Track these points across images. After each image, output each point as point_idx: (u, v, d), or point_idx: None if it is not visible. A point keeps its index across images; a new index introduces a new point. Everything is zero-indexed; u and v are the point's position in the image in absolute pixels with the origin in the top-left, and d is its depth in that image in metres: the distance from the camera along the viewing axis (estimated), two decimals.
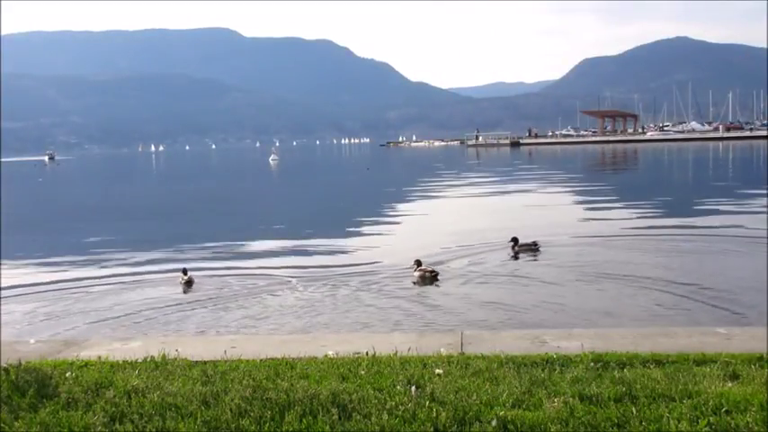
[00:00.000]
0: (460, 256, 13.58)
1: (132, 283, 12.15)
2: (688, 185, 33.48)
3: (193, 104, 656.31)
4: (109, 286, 12.01)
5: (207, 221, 23.87)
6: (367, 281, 11.49)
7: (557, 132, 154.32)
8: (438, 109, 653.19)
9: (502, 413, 3.94)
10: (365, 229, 19.63)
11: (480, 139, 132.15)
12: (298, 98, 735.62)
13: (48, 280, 12.67)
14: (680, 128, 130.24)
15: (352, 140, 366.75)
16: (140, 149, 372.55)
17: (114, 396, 4.41)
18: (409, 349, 5.65)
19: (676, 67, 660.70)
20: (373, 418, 3.92)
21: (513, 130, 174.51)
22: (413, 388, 4.42)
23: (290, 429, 3.86)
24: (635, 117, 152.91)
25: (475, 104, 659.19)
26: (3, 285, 12.02)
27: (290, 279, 11.90)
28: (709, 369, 4.82)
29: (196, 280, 11.77)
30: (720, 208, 20.69)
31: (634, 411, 3.95)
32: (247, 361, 5.41)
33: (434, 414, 3.93)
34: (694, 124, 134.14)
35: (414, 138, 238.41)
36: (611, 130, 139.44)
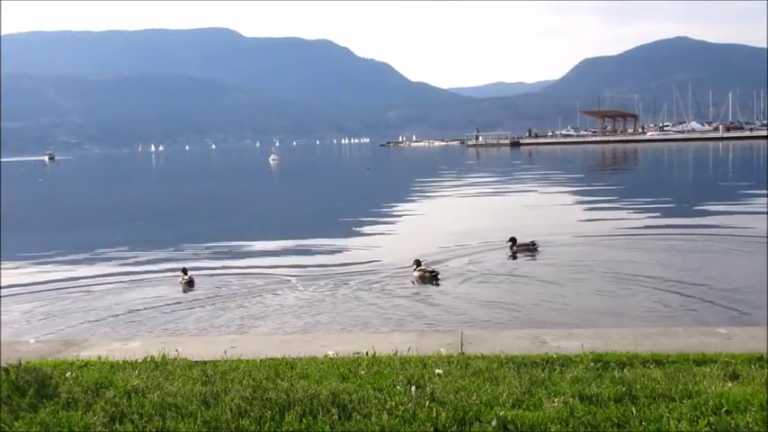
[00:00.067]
0: (459, 256, 13.59)
1: (132, 283, 12.15)
2: (688, 185, 33.48)
3: (193, 104, 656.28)
4: (109, 286, 12.01)
5: (207, 221, 23.87)
6: (367, 280, 11.49)
7: (557, 132, 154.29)
8: (438, 109, 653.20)
9: (502, 413, 3.94)
10: (365, 228, 19.63)
11: (480, 139, 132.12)
12: (298, 98, 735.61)
13: (47, 279, 12.67)
14: (680, 128, 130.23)
15: (352, 140, 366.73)
16: (140, 149, 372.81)
17: (114, 396, 4.41)
18: (409, 349, 5.65)
19: (676, 67, 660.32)
20: (373, 418, 3.92)
21: (513, 130, 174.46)
22: (413, 388, 4.42)
23: (290, 429, 3.86)
24: (635, 117, 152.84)
25: (475, 104, 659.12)
26: (2, 285, 12.02)
27: (289, 279, 11.91)
28: (709, 369, 4.82)
29: (196, 279, 11.78)
30: (721, 208, 20.69)
31: (634, 411, 3.95)
32: (247, 361, 5.41)
33: (434, 414, 3.93)
34: (694, 124, 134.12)
35: (414, 138, 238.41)
36: (611, 130, 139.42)
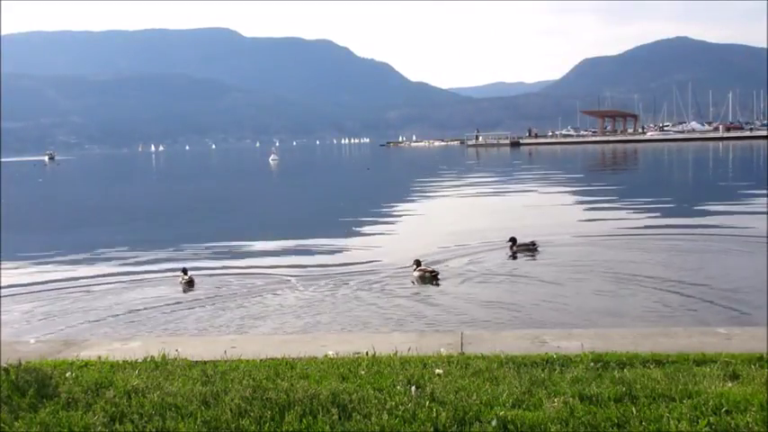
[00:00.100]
0: (459, 256, 13.59)
1: (132, 283, 12.15)
2: (688, 185, 33.48)
3: (193, 104, 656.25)
4: (109, 286, 12.01)
5: (207, 221, 23.87)
6: (367, 280, 11.50)
7: (557, 132, 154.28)
8: (438, 109, 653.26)
9: (502, 413, 3.94)
10: (365, 228, 19.63)
11: (480, 139, 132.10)
12: (298, 98, 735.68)
13: (47, 279, 12.67)
14: (680, 128, 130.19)
15: (352, 140, 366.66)
16: (140, 149, 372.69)
17: (114, 396, 4.41)
18: (409, 349, 5.65)
19: (676, 67, 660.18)
20: (373, 418, 3.92)
21: (513, 130, 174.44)
22: (413, 388, 4.42)
23: (290, 429, 3.86)
24: (635, 117, 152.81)
25: (475, 104, 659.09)
26: (2, 285, 12.02)
27: (289, 279, 11.91)
28: (709, 369, 4.82)
29: (196, 279, 11.78)
30: (721, 208, 20.69)
31: (634, 411, 3.95)
32: (247, 361, 5.41)
33: (434, 414, 3.93)
34: (694, 124, 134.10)
35: (414, 138, 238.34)
36: (611, 130, 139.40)
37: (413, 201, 28.36)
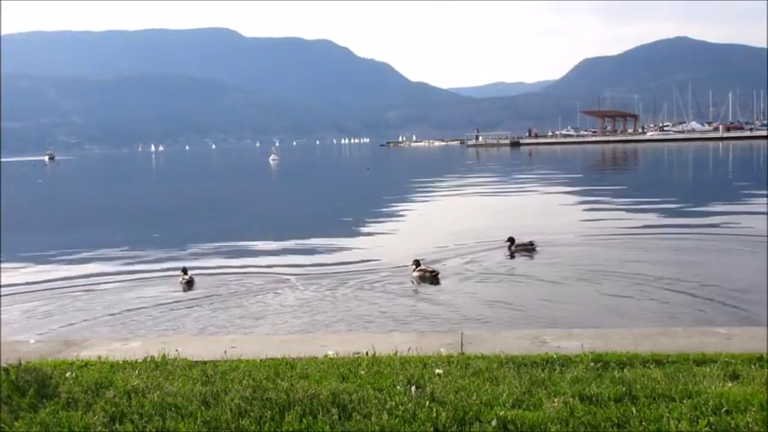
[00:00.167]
0: (459, 256, 13.59)
1: (132, 283, 12.15)
2: (688, 185, 33.49)
3: (193, 104, 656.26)
4: (109, 286, 12.01)
5: (207, 221, 23.86)
6: (367, 280, 11.50)
7: (557, 132, 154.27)
8: (438, 109, 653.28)
9: (502, 413, 3.94)
10: (365, 228, 19.63)
11: (480, 139, 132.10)
12: (298, 98, 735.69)
13: (47, 279, 12.67)
14: (680, 128, 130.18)
15: (352, 140, 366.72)
16: (140, 149, 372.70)
17: (114, 396, 4.41)
18: (409, 349, 5.65)
19: (676, 67, 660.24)
20: (373, 418, 3.92)
21: (513, 130, 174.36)
22: (413, 388, 4.42)
23: (290, 429, 3.86)
24: (635, 117, 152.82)
25: (475, 104, 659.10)
26: (2, 285, 12.02)
27: (289, 278, 11.91)
28: (709, 369, 4.82)
29: (196, 279, 11.78)
30: (721, 208, 20.69)
31: (634, 411, 3.95)
32: (247, 361, 5.40)
33: (434, 414, 3.93)
34: (694, 124, 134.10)
35: (414, 138, 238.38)
36: (611, 130, 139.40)
37: (413, 201, 28.37)
